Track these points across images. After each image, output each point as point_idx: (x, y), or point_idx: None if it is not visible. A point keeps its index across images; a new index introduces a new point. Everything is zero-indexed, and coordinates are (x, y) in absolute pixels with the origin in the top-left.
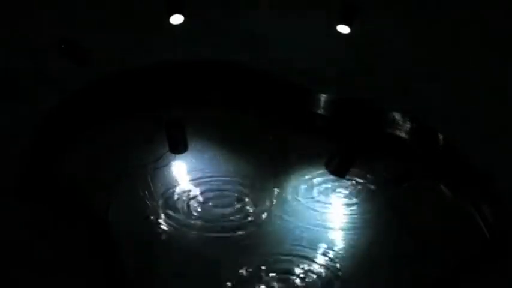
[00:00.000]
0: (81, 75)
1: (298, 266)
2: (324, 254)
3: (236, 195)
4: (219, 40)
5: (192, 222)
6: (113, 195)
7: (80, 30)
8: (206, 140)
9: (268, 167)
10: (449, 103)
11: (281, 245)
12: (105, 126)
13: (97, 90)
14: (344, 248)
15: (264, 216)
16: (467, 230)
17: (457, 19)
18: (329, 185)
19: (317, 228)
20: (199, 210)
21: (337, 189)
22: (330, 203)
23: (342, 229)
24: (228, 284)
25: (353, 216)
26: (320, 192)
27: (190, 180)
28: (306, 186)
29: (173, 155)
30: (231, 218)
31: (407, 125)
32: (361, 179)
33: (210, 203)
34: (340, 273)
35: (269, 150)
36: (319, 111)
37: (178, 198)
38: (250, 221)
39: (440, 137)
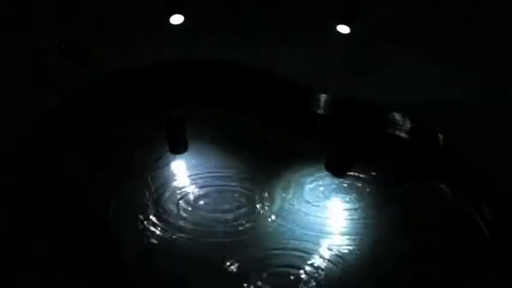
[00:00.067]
0: (81, 75)
1: (297, 266)
2: (324, 254)
3: (236, 195)
4: (219, 40)
5: (192, 222)
6: (113, 195)
7: (80, 30)
8: (206, 140)
9: (268, 167)
10: (449, 103)
11: (280, 246)
12: (105, 126)
13: (97, 90)
14: (344, 248)
15: (264, 216)
16: (467, 230)
17: (457, 19)
18: (329, 185)
19: (317, 229)
20: (199, 210)
21: (337, 189)
22: (330, 203)
23: (342, 229)
24: (227, 283)
25: (353, 216)
26: (320, 192)
27: (189, 180)
28: (306, 187)
29: (173, 155)
30: (231, 218)
31: (407, 125)
32: (361, 179)
33: (210, 203)
34: (340, 273)
35: (269, 150)
36: (319, 111)
37: (177, 198)
38: (250, 221)
39: (440, 137)
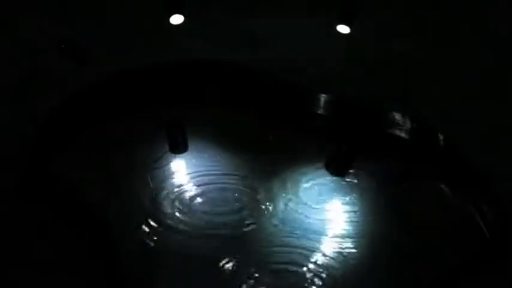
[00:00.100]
0: (81, 75)
1: (297, 265)
2: (324, 254)
3: (236, 195)
4: (219, 40)
5: (191, 221)
6: (113, 195)
7: (80, 30)
8: (206, 140)
9: (268, 167)
10: (449, 103)
11: (280, 245)
12: (105, 126)
13: (97, 90)
14: (344, 248)
15: (264, 216)
16: (467, 230)
17: (457, 19)
18: (329, 185)
19: (316, 228)
20: (199, 210)
21: (337, 189)
22: (330, 203)
23: (342, 229)
24: (226, 283)
25: (353, 216)
26: (319, 192)
27: (189, 180)
28: (306, 186)
29: (173, 155)
30: (230, 218)
31: (407, 125)
32: (361, 179)
33: (209, 203)
34: (340, 273)
35: (269, 150)
36: (319, 111)
37: (177, 198)
38: (250, 221)
39: (440, 137)
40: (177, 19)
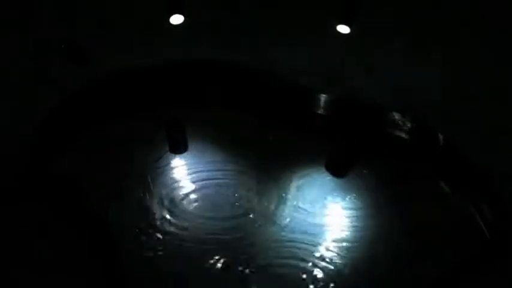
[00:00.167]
0: (81, 75)
1: (297, 266)
2: (324, 254)
3: (236, 195)
4: (219, 40)
5: (191, 221)
6: (113, 195)
7: (80, 30)
8: (206, 140)
9: (268, 167)
10: (449, 103)
11: (279, 245)
12: (105, 126)
13: (97, 90)
14: (344, 248)
15: (264, 216)
16: (467, 230)
17: (457, 19)
18: (329, 185)
19: (316, 228)
20: (198, 209)
21: (337, 189)
22: (330, 203)
23: (342, 229)
24: (226, 282)
25: (352, 216)
26: (320, 192)
27: (189, 180)
28: (306, 186)
29: (173, 155)
30: (230, 218)
31: (407, 125)
32: (361, 179)
33: (209, 203)
34: (339, 273)
35: (269, 150)
36: (319, 111)
37: (177, 198)
38: (250, 221)
39: (440, 137)
40: (177, 19)
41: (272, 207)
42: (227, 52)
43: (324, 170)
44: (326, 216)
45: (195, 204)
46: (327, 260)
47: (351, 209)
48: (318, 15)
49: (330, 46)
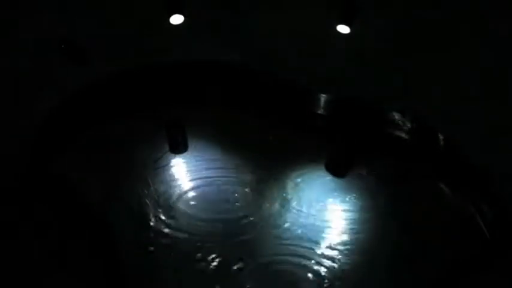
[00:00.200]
0: (81, 75)
1: (297, 266)
2: (324, 254)
3: (236, 195)
4: (219, 40)
5: (191, 221)
6: (113, 195)
7: (80, 30)
8: (206, 140)
9: (268, 167)
10: (449, 103)
11: (280, 244)
12: (105, 126)
13: (97, 90)
14: (343, 248)
15: (264, 215)
16: (467, 230)
17: (457, 19)
18: (329, 185)
19: (316, 228)
20: (198, 209)
21: (337, 189)
22: (330, 203)
23: (342, 229)
24: (225, 282)
25: (353, 216)
26: (320, 192)
27: (189, 180)
28: (306, 186)
29: (173, 155)
30: (230, 217)
31: (407, 125)
32: (361, 179)
33: (209, 203)
34: (339, 273)
35: (269, 150)
36: (319, 111)
37: (177, 198)
38: (250, 221)
39: (441, 137)
40: (177, 19)
41: (272, 207)
42: (227, 52)
43: (324, 170)
44: (326, 216)
45: (195, 203)
46: (327, 259)
47: (350, 209)
48: (318, 15)
49: (330, 46)
